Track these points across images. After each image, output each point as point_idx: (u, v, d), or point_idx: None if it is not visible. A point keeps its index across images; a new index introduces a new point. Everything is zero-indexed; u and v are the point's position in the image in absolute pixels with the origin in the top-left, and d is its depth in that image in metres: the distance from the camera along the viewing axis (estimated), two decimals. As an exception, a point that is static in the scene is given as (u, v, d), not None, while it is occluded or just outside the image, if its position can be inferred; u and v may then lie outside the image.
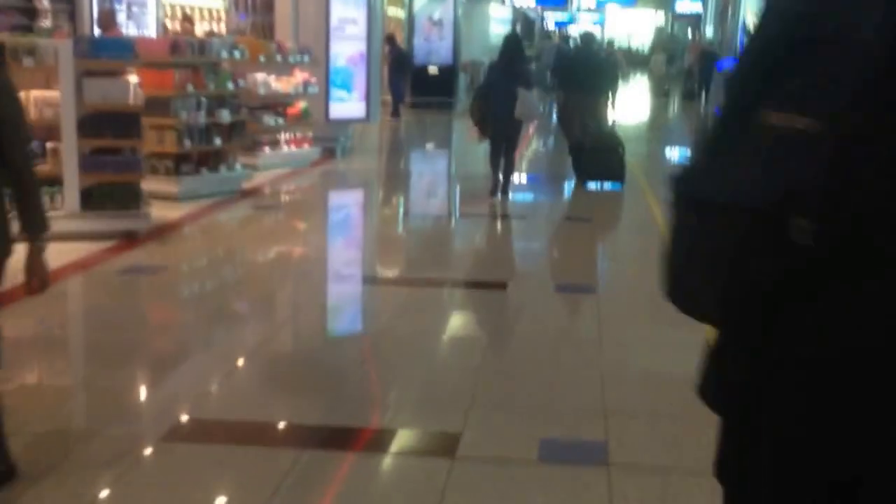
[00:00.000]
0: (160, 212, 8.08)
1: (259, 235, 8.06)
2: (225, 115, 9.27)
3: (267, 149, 11.20)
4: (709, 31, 44.13)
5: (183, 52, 8.93)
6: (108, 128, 7.27)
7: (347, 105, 12.79)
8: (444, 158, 14.88)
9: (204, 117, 9.04)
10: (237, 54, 9.46)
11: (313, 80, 11.69)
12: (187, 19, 14.44)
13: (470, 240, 8.46)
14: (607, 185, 10.50)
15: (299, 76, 11.54)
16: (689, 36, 49.54)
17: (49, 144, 7.09)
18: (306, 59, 11.53)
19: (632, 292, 6.27)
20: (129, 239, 7.14)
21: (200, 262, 7.06)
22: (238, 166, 9.63)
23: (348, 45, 12.63)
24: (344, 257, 7.72)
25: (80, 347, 5.35)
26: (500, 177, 9.52)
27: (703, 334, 1.43)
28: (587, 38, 13.16)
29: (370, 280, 6.71)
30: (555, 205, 10.58)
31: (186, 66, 8.96)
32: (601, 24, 60.60)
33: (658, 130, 19.70)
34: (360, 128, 13.98)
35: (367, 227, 9.11)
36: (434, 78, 21.62)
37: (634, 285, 6.40)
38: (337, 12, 12.44)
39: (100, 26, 9.88)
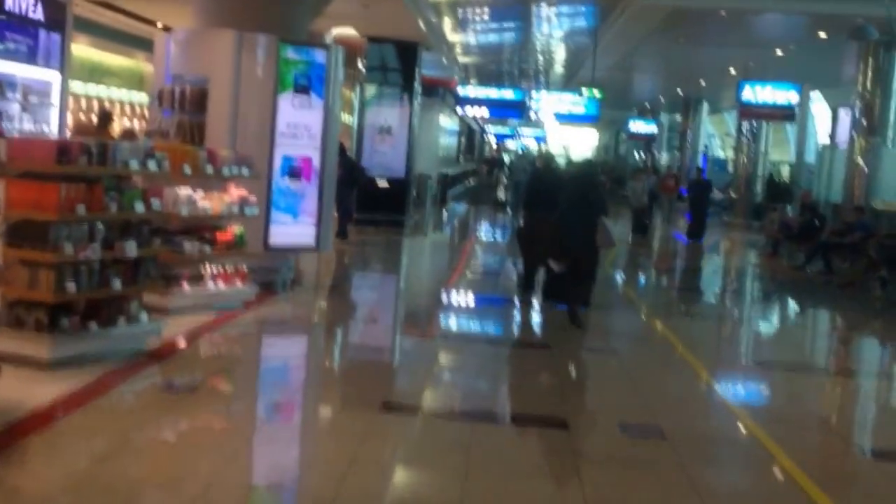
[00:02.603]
0: (16, 390, 5.41)
1: (161, 452, 5.26)
2: (130, 248, 6.65)
3: (187, 286, 8.58)
4: (663, 156, 43.40)
5: (74, 159, 6.34)
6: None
7: (291, 229, 10.25)
8: (407, 295, 12.26)
9: (99, 251, 6.42)
10: (152, 165, 6.88)
11: (252, 198, 9.17)
12: (104, 118, 11.91)
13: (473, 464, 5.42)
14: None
15: (234, 193, 9.01)
16: (639, 157, 48.82)
17: None
18: (245, 171, 9.02)
19: None
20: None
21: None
22: (143, 317, 6.95)
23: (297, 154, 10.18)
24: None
25: None
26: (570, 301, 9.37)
27: None
28: (547, 156, 13.63)
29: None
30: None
31: (79, 179, 6.38)
32: (542, 139, 60.00)
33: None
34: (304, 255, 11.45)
35: (321, 426, 6.14)
36: (384, 192, 19.32)
37: None
38: (285, 115, 10.02)
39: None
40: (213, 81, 9.66)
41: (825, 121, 30.70)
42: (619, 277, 14.60)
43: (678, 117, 40.72)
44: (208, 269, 8.82)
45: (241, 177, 9.01)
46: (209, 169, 8.56)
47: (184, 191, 8.33)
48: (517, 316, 10.73)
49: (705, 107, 36.61)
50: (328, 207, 10.68)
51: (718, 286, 15.74)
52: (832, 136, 26.34)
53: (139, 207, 6.69)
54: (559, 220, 9.66)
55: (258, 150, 9.72)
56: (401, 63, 20.03)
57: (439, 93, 28.46)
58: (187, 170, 8.27)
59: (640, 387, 7.43)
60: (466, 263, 15.88)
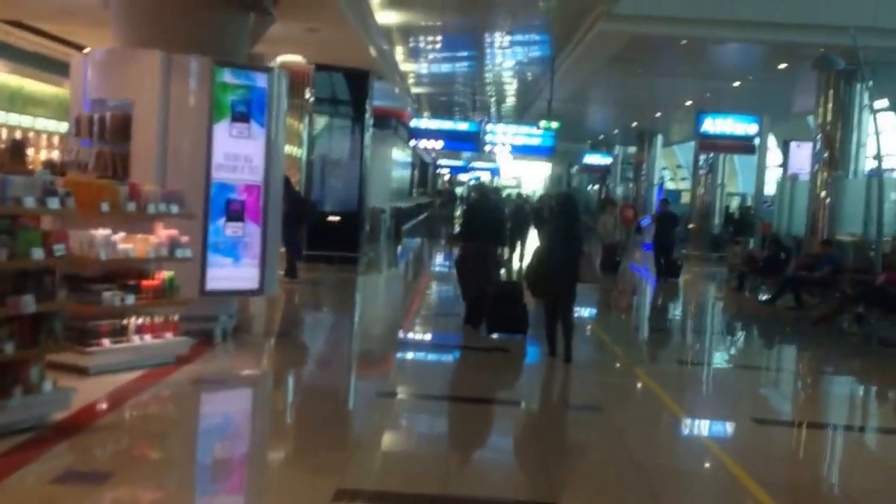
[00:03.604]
0: None
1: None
2: (27, 303, 5.55)
3: (107, 342, 7.45)
4: (618, 189, 42.86)
5: (-43, 196, 5.24)
6: None
7: (231, 272, 9.17)
8: (363, 342, 11.08)
9: (-13, 307, 5.31)
10: (53, 202, 5.76)
11: (184, 238, 8.07)
12: (16, 148, 10.74)
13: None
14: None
15: (162, 233, 7.92)
16: (591, 189, 48.20)
17: None
18: (174, 209, 7.94)
19: None
20: None
21: None
22: (47, 384, 5.82)
23: (237, 189, 9.13)
24: None
25: None
26: (558, 339, 9.22)
27: None
28: (483, 188, 13.30)
29: None
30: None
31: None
32: (496, 173, 59.45)
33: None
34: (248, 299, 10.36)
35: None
36: (335, 227, 18.27)
37: None
38: (223, 146, 8.96)
39: None
40: (137, 107, 8.59)
41: (774, 153, 30.44)
42: (596, 321, 13.73)
43: (631, 149, 40.30)
44: (133, 321, 7.70)
45: (170, 214, 7.93)
46: (131, 206, 7.48)
47: (101, 232, 7.22)
48: (481, 363, 9.75)
49: (660, 139, 36.22)
50: (272, 246, 9.61)
51: (695, 328, 14.72)
52: (784, 169, 25.98)
53: (37, 253, 5.59)
54: (542, 255, 9.49)
55: (192, 184, 8.66)
56: (351, 92, 19.09)
57: (392, 124, 27.62)
58: (105, 207, 7.19)
59: (635, 454, 6.39)
60: (425, 303, 14.84)
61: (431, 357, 10.20)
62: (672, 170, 48.29)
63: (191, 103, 8.85)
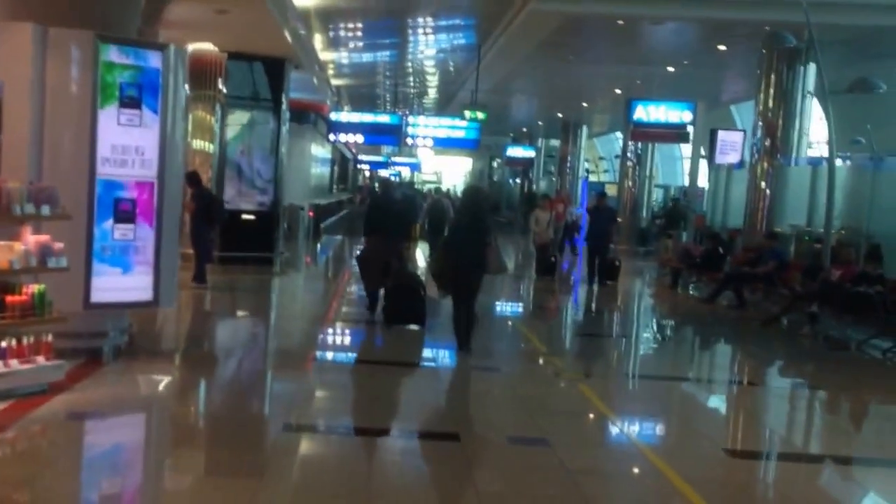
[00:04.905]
0: None
1: None
2: None
3: (-38, 370, 6.18)
4: (541, 182, 42.18)
5: None
6: None
7: (120, 281, 7.90)
8: (276, 357, 9.81)
9: None
10: None
11: (57, 245, 6.80)
12: None
13: None
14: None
15: (31, 240, 6.64)
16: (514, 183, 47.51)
17: None
18: (45, 210, 6.67)
19: None
20: None
21: None
22: None
23: (126, 186, 7.87)
24: None
25: None
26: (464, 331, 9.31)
27: None
28: (386, 183, 13.88)
29: None
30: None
31: None
32: (416, 168, 58.40)
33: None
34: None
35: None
36: (250, 226, 17.00)
37: None
38: (109, 136, 7.69)
39: None
40: (6, 90, 7.26)
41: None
42: (531, 327, 12.75)
43: (553, 142, 39.60)
44: (-4, 343, 6.44)
45: (41, 216, 6.65)
46: (-11, 208, 6.21)
47: (-50, 239, 5.95)
48: (406, 380, 8.67)
49: (585, 131, 35.55)
50: (169, 252, 8.34)
51: (637, 333, 13.42)
52: (710, 159, 25.37)
53: None
54: (447, 247, 9.58)
55: (73, 181, 7.44)
56: (266, 83, 17.78)
57: (311, 118, 26.33)
58: (-46, 210, 5.91)
59: (594, 501, 5.37)
60: (343, 308, 13.62)
61: (349, 375, 8.98)
62: (594, 162, 47.91)
63: (71, 86, 7.56)
